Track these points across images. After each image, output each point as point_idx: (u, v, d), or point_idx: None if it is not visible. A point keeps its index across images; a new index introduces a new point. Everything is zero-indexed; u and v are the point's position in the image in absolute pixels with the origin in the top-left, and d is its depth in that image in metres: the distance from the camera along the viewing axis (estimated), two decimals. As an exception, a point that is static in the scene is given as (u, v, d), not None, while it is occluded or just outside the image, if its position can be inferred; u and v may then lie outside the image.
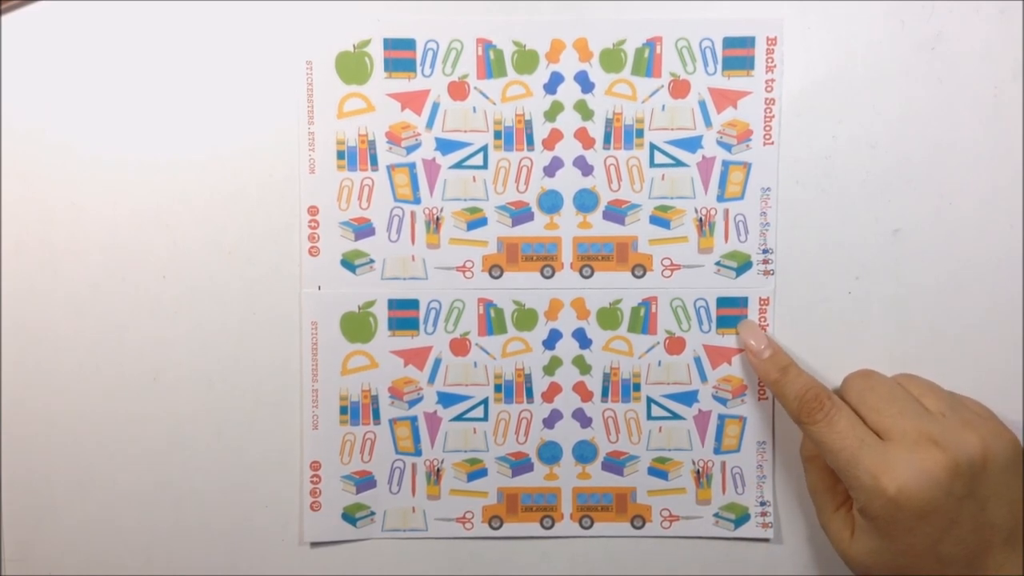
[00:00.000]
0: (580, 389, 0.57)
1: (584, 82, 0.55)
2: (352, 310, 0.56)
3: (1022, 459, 0.47)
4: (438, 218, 0.56)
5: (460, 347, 0.56)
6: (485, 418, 0.57)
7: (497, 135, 0.55)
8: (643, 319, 0.56)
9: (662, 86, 0.55)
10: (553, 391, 0.57)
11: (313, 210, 0.55)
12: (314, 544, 0.57)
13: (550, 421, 0.57)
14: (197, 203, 0.55)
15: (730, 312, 0.56)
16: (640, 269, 0.56)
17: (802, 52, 0.54)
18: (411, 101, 0.55)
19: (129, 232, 0.55)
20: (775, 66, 0.54)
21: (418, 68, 0.54)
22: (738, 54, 0.54)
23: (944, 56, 0.54)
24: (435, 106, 0.55)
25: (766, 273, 0.56)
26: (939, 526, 0.45)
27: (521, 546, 0.58)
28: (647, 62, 0.55)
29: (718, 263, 0.56)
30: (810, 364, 0.56)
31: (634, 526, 0.57)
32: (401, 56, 0.54)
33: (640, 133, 0.55)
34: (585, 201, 0.56)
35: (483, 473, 0.57)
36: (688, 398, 0.57)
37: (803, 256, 0.56)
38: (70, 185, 0.54)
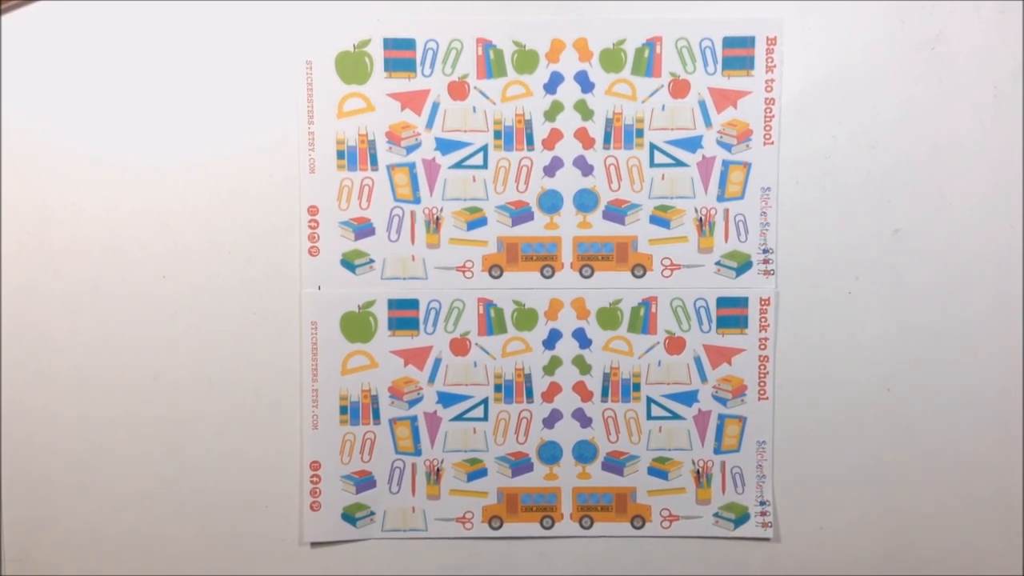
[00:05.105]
0: (580, 389, 0.57)
1: (584, 82, 0.55)
2: (352, 310, 0.56)
3: None
4: (438, 218, 0.56)
5: (460, 347, 0.56)
6: (485, 418, 0.57)
7: (497, 135, 0.55)
8: (643, 319, 0.56)
9: (662, 86, 0.55)
10: (553, 391, 0.57)
11: (313, 210, 0.55)
12: (314, 544, 0.57)
13: (550, 421, 0.57)
14: (197, 203, 0.55)
15: (730, 312, 0.56)
16: (640, 269, 0.56)
17: (802, 52, 0.54)
18: (411, 101, 0.55)
19: (129, 232, 0.55)
20: (775, 66, 0.54)
21: (418, 68, 0.54)
22: (738, 54, 0.54)
23: (944, 56, 0.54)
24: (435, 106, 0.55)
25: (766, 273, 0.56)
26: None
27: (521, 546, 0.58)
28: (647, 62, 0.55)
29: (718, 263, 0.56)
30: (810, 364, 0.56)
31: (634, 526, 0.57)
32: (401, 56, 0.54)
33: (640, 133, 0.55)
34: (585, 201, 0.56)
35: (483, 473, 0.57)
36: (688, 398, 0.57)
37: (803, 256, 0.56)
38: (70, 185, 0.54)
